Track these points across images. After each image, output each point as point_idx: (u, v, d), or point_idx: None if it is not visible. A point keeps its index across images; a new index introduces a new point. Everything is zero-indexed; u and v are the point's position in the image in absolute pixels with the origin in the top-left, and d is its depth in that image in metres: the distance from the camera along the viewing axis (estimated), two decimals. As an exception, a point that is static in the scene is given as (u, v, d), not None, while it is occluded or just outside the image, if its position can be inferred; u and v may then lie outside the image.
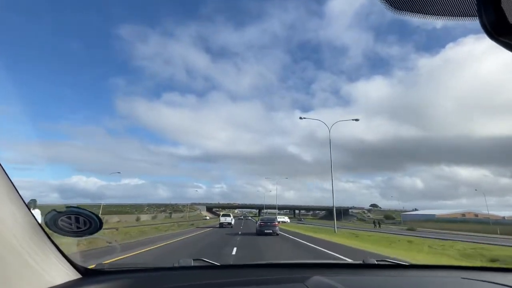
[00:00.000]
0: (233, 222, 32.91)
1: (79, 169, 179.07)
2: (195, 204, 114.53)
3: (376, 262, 1.69)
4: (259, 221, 19.55)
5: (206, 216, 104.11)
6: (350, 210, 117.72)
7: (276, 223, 18.52)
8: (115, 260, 7.15)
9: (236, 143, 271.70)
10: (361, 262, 1.71)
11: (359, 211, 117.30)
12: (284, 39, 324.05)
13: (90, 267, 1.26)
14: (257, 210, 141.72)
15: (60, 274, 1.03)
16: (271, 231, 17.38)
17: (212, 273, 1.46)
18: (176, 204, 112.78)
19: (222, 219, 31.69)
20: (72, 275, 1.09)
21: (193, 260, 1.58)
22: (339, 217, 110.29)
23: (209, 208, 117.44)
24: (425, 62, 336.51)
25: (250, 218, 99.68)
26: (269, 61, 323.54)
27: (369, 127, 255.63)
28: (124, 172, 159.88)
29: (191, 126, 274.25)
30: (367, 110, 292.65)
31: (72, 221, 1.05)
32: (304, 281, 1.12)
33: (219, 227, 30.12)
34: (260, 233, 17.48)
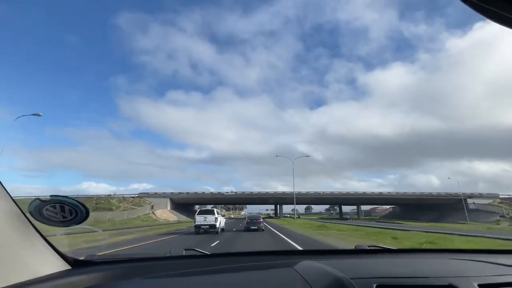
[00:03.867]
0: (221, 224, 20.04)
1: (89, 175, 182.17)
2: (145, 195, 60.90)
3: (367, 248, 1.79)
4: (246, 219, 23.16)
5: (167, 218, 52.67)
6: (471, 202, 59.75)
7: (261, 220, 22.09)
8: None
9: (243, 143, 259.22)
10: (352, 248, 1.80)
11: (491, 201, 59.10)
12: (297, 22, 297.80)
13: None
14: (273, 209, 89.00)
15: (48, 265, 1.04)
16: (256, 227, 20.85)
17: (203, 262, 1.54)
18: (109, 195, 59.76)
19: (199, 219, 18.31)
20: (61, 265, 1.11)
21: (185, 250, 1.66)
22: (452, 214, 51.74)
23: (181, 203, 63.64)
24: (456, 42, 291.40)
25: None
26: (279, 49, 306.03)
27: (384, 121, 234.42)
28: (132, 177, 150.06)
29: (197, 127, 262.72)
30: (383, 102, 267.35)
31: (58, 210, 1.03)
32: (293, 265, 1.17)
33: (195, 233, 18.17)
34: (247, 229, 20.95)
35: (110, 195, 60.11)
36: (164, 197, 60.61)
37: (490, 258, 1.29)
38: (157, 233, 20.79)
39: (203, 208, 23.64)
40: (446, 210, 61.49)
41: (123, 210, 52.14)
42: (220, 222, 19.53)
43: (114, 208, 52.58)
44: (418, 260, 1.49)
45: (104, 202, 55.32)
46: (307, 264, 1.19)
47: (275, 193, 65.35)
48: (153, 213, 54.47)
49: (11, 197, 0.96)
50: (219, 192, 63.93)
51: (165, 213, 56.42)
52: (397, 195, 66.00)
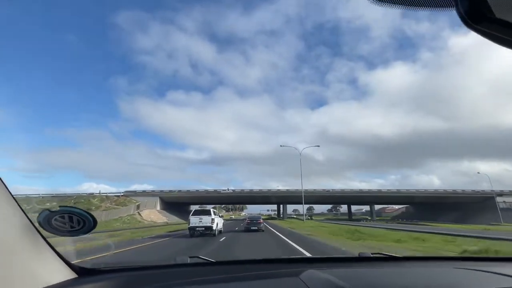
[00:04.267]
0: (219, 226, 17.97)
1: (90, 176, 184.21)
2: (132, 194, 54.56)
3: (371, 255, 1.77)
4: (246, 219, 23.78)
5: (155, 220, 46.56)
6: (501, 200, 52.94)
7: (261, 221, 22.17)
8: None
9: (244, 143, 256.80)
10: (356, 256, 1.81)
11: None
12: (298, 21, 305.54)
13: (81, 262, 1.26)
14: (275, 209, 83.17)
15: (55, 274, 1.06)
16: (257, 227, 20.75)
17: (208, 270, 1.55)
18: (91, 194, 53.55)
19: (194, 220, 16.48)
20: (68, 274, 1.13)
21: (189, 257, 1.69)
22: (479, 213, 45.14)
23: (173, 203, 57.24)
24: (459, 40, 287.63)
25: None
26: (280, 48, 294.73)
27: (385, 121, 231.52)
28: (133, 178, 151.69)
29: (197, 127, 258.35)
30: (384, 102, 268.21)
31: (66, 221, 1.07)
32: (299, 274, 1.18)
33: (190, 236, 16.15)
34: (247, 229, 20.79)
35: (93, 193, 53.83)
36: (153, 195, 54.23)
37: (495, 268, 1.24)
38: (129, 239, 16.16)
39: (198, 208, 21.18)
40: (470, 210, 54.45)
41: (104, 210, 45.75)
42: (217, 223, 17.54)
43: (93, 208, 46.24)
44: (422, 269, 1.47)
45: (84, 202, 49.07)
46: (312, 274, 1.19)
47: (278, 191, 58.80)
48: (139, 213, 48.10)
49: (21, 208, 0.97)
50: (215, 190, 57.47)
51: (153, 214, 50.00)
52: (416, 193, 59.10)
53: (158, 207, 53.47)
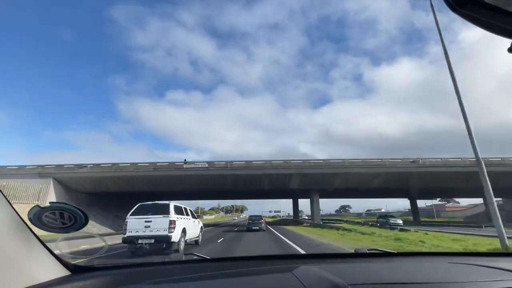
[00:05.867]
0: (190, 234, 11.02)
1: None
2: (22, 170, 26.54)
3: (367, 251, 1.77)
4: (248, 219, 24.71)
5: None
6: None
7: (262, 220, 23.02)
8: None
9: (245, 143, 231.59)
10: (352, 251, 1.83)
11: None
12: (302, 14, 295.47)
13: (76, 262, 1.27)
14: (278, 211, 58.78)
15: (48, 271, 1.06)
16: (258, 227, 21.90)
17: (202, 266, 1.55)
18: None
19: (135, 225, 9.10)
20: (61, 272, 1.14)
21: (184, 254, 1.71)
22: None
23: (96, 193, 28.63)
24: (469, 33, 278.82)
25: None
26: (283, 44, 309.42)
27: (390, 119, 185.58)
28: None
29: (198, 128, 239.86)
30: (389, 100, 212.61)
31: (57, 217, 1.07)
32: (293, 270, 1.20)
33: (131, 253, 9.43)
34: (248, 229, 21.94)
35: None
36: (42, 176, 26.05)
37: (489, 262, 1.28)
38: None
39: (146, 203, 10.35)
40: None
41: None
42: (186, 230, 10.31)
43: None
44: (417, 264, 1.50)
45: None
46: (306, 269, 1.21)
47: (304, 163, 28.49)
48: None
49: (11, 204, 0.97)
50: (170, 163, 28.06)
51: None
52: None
53: (52, 201, 25.20)
